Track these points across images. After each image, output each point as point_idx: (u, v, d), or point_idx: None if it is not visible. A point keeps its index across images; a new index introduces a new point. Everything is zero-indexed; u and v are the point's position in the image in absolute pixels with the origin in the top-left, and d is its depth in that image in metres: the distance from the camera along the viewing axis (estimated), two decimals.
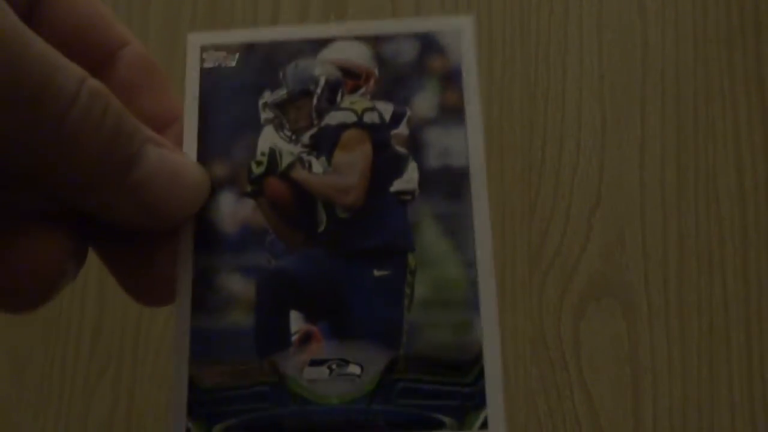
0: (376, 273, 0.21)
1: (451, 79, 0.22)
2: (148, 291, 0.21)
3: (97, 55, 0.21)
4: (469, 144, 0.21)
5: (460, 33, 0.22)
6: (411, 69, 0.22)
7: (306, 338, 0.20)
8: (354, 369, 0.20)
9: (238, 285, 0.21)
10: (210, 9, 0.65)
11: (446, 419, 0.19)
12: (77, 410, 0.61)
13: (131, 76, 0.21)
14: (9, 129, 0.16)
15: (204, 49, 0.22)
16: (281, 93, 0.22)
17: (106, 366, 0.61)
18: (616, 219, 0.59)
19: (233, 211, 0.21)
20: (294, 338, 0.20)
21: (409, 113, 0.21)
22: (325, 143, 0.22)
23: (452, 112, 0.21)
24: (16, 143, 0.17)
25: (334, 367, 0.20)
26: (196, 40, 0.22)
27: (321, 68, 0.22)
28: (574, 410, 0.57)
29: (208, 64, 0.22)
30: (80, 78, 0.17)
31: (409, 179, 0.21)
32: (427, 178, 0.21)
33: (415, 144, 0.21)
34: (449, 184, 0.21)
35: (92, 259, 0.69)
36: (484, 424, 0.19)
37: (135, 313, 0.62)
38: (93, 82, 0.17)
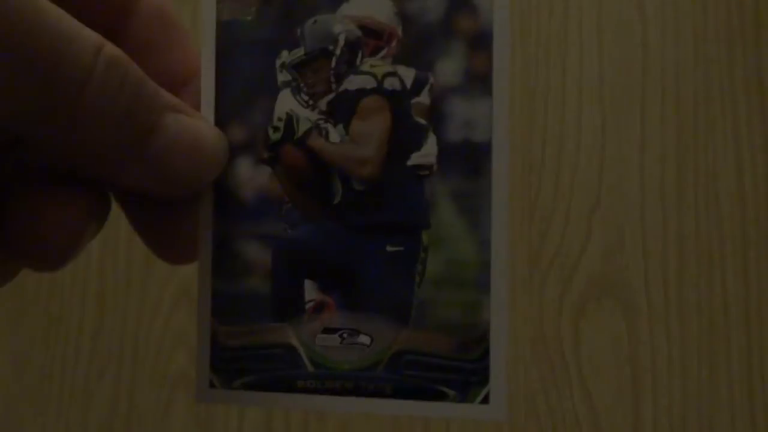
0: (389, 248, 0.21)
1: (480, 41, 0.20)
2: (171, 249, 0.21)
3: (113, 8, 0.20)
4: (494, 117, 0.20)
5: None
6: (437, 28, 0.21)
7: (320, 307, 0.21)
8: (364, 339, 0.20)
9: (255, 252, 0.21)
10: None
11: (449, 392, 0.20)
12: (77, 410, 0.61)
13: (149, 30, 0.20)
14: (24, 105, 0.16)
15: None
16: (299, 52, 0.21)
17: (106, 366, 0.61)
18: (616, 219, 0.59)
19: (251, 177, 0.21)
20: (308, 306, 0.21)
21: (431, 80, 0.21)
22: (342, 110, 0.21)
23: (478, 80, 0.20)
24: (31, 118, 0.16)
25: (345, 335, 0.20)
26: None
27: (340, 25, 0.21)
28: (574, 410, 0.57)
29: (224, 17, 0.21)
30: (96, 47, 0.16)
31: (427, 153, 0.20)
32: (446, 152, 0.20)
33: (437, 115, 0.20)
34: (469, 160, 0.20)
35: (91, 260, 0.69)
36: (486, 400, 0.19)
37: (135, 313, 0.62)
38: (109, 50, 0.17)
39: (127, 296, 0.62)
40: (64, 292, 0.63)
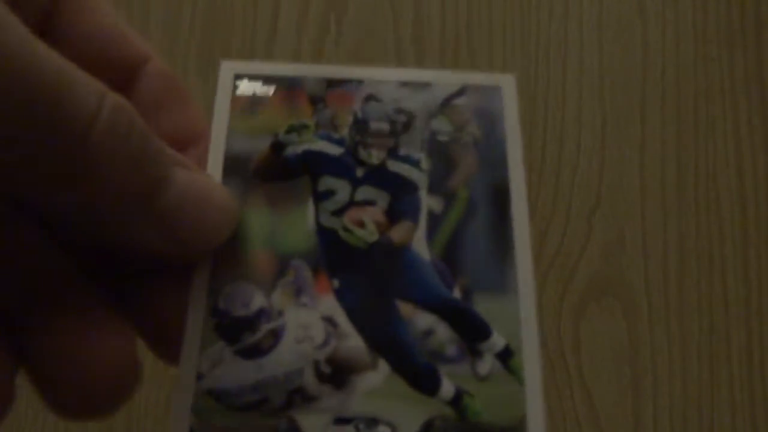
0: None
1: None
2: (160, 341, 0.20)
3: (117, 72, 0.19)
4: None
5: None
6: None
7: None
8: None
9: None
10: (209, 9, 0.65)
11: None
12: None
13: (153, 94, 0.20)
14: (29, 154, 0.15)
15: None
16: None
17: None
18: (616, 219, 0.59)
19: None
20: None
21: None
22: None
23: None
24: (36, 170, 0.15)
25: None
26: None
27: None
28: (574, 410, 0.57)
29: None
30: (101, 92, 0.15)
31: None
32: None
33: None
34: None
35: None
36: None
37: None
38: (114, 97, 0.16)
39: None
40: None
